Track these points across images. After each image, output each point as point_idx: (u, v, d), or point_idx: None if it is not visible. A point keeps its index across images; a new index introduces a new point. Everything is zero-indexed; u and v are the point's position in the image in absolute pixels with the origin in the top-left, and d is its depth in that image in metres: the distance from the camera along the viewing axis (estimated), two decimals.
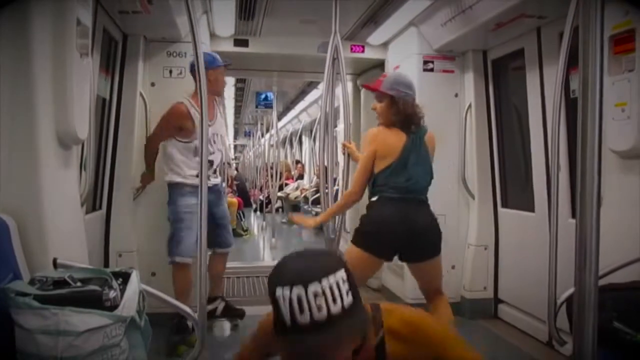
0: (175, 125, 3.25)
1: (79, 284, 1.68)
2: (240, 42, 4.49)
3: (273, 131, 8.52)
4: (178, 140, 3.28)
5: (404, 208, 2.63)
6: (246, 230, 8.34)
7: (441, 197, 3.85)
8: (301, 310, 1.04)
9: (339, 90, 3.42)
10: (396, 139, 2.67)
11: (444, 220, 3.79)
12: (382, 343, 1.28)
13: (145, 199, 3.61)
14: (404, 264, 2.88)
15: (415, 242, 2.63)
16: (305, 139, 13.27)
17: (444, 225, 3.78)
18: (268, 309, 1.17)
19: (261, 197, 9.75)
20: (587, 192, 1.05)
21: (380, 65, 4.69)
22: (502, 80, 4.00)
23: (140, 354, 1.78)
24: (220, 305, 3.62)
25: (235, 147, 19.75)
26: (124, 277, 1.78)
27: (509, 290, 3.89)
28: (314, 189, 8.67)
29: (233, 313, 3.66)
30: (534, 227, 3.47)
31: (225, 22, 4.13)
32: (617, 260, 2.08)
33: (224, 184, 4.50)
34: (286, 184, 10.60)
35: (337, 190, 3.94)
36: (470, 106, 3.98)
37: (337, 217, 3.02)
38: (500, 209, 4.00)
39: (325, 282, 1.06)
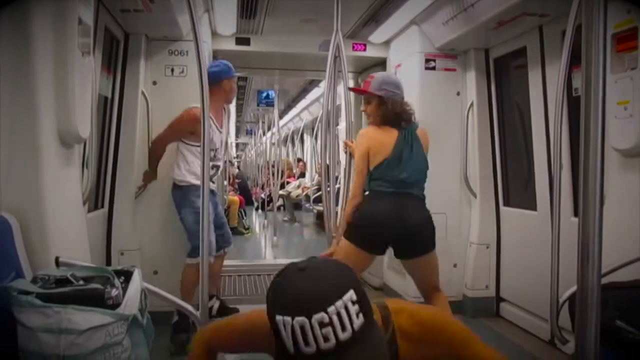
0: (188, 129, 3.27)
1: (81, 282, 1.68)
2: (241, 41, 4.49)
3: (274, 129, 8.52)
4: (191, 145, 3.30)
5: (397, 203, 2.63)
6: (248, 229, 8.35)
7: (443, 195, 3.87)
8: (306, 342, 0.92)
9: (340, 89, 3.42)
10: (387, 136, 2.70)
11: (445, 218, 3.83)
12: (394, 344, 1.18)
13: (147, 197, 3.61)
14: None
15: (407, 238, 2.63)
16: (306, 137, 13.27)
17: (446, 223, 3.85)
18: None
19: (263, 196, 9.75)
20: (590, 190, 1.05)
21: (382, 63, 4.68)
22: (504, 78, 4.00)
23: (143, 353, 1.78)
24: (215, 304, 3.63)
25: (237, 145, 19.74)
26: (126, 275, 1.79)
27: (511, 289, 3.88)
28: (316, 187, 8.66)
29: (228, 312, 3.68)
30: (536, 225, 3.46)
31: (227, 20, 4.13)
32: (618, 259, 2.08)
33: (226, 182, 4.52)
34: (288, 182, 10.60)
35: (339, 189, 3.93)
36: (472, 104, 3.97)
37: (337, 215, 3.01)
38: (502, 207, 4.00)
39: (331, 309, 0.92)
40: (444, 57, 4.04)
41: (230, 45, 4.46)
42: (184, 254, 3.36)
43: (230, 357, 2.42)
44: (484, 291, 3.97)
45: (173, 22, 3.35)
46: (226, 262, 3.98)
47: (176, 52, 3.73)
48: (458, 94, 4.08)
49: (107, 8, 3.04)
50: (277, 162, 8.50)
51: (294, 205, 10.05)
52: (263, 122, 10.34)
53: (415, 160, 2.69)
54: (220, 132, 3.46)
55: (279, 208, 9.21)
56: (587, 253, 1.06)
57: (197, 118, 3.21)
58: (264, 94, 8.71)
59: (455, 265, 4.00)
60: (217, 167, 3.57)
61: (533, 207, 3.55)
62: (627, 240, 2.22)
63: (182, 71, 3.72)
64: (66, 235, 2.09)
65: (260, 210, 10.36)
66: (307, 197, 9.13)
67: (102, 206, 3.41)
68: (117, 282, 1.70)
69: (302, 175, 11.65)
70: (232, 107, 10.63)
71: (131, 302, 1.69)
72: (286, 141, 14.44)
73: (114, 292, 1.65)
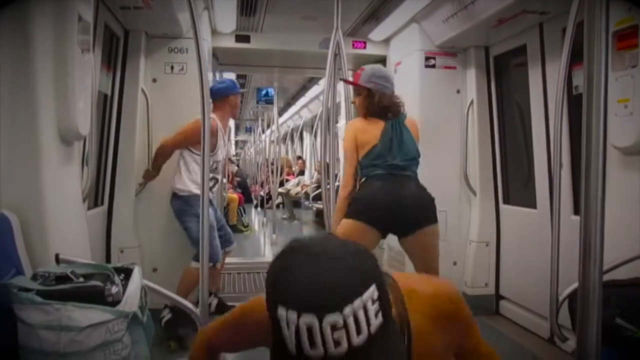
0: (200, 138, 3.26)
1: (81, 279, 1.69)
2: (241, 38, 4.49)
3: (274, 127, 8.52)
4: (198, 154, 3.28)
5: (392, 181, 2.66)
6: (247, 226, 8.35)
7: (443, 193, 3.82)
8: (312, 345, 0.73)
9: (340, 86, 3.41)
10: (374, 126, 2.72)
11: (445, 216, 3.81)
12: (407, 332, 0.97)
13: (147, 195, 3.61)
14: (405, 256, 2.88)
15: (406, 211, 2.62)
16: (306, 135, 13.27)
17: (445, 221, 3.83)
18: None
19: (262, 193, 9.75)
20: (592, 187, 1.05)
21: (382, 61, 4.67)
22: (504, 76, 3.99)
23: (143, 350, 1.78)
24: (213, 302, 3.63)
25: (236, 143, 19.75)
26: (126, 272, 1.79)
27: (511, 287, 3.89)
28: (315, 185, 8.65)
29: (226, 309, 3.68)
30: (535, 223, 3.46)
31: (227, 18, 4.13)
32: (619, 257, 2.08)
33: (225, 180, 4.52)
34: (287, 180, 10.60)
35: (338, 187, 3.93)
36: (472, 102, 3.97)
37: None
38: (502, 205, 4.00)
39: (348, 310, 0.72)
40: (444, 54, 4.04)
41: (230, 43, 4.46)
42: (183, 251, 3.36)
43: (230, 356, 2.43)
44: (483, 289, 3.97)
45: (173, 19, 3.34)
46: (225, 260, 3.98)
47: (176, 50, 3.72)
48: (458, 91, 4.07)
49: (107, 5, 3.03)
50: (277, 160, 8.50)
51: (293, 203, 10.05)
52: (262, 120, 10.34)
53: (405, 146, 2.70)
54: (225, 146, 3.49)
55: (278, 206, 9.21)
56: (588, 250, 1.06)
57: (212, 129, 3.23)
58: (264, 92, 8.71)
59: (455, 263, 4.00)
60: (217, 180, 3.59)
61: (533, 205, 3.55)
62: (627, 238, 2.22)
63: (182, 69, 3.71)
64: (66, 232, 2.09)
65: (259, 208, 10.37)
66: (307, 194, 9.12)
67: (102, 203, 3.41)
68: (117, 279, 1.70)
69: (302, 173, 11.64)
70: (231, 121, 10.65)
71: (131, 299, 1.69)
72: (285, 139, 14.44)
73: (114, 290, 1.65)
